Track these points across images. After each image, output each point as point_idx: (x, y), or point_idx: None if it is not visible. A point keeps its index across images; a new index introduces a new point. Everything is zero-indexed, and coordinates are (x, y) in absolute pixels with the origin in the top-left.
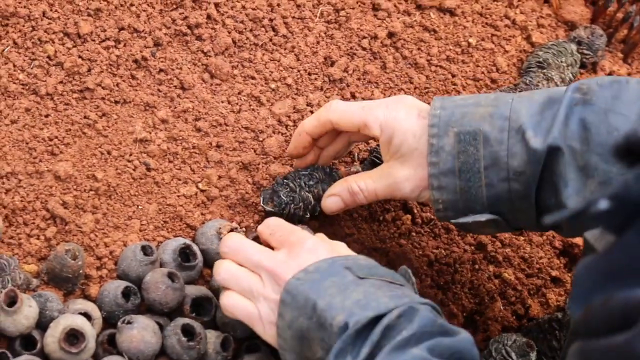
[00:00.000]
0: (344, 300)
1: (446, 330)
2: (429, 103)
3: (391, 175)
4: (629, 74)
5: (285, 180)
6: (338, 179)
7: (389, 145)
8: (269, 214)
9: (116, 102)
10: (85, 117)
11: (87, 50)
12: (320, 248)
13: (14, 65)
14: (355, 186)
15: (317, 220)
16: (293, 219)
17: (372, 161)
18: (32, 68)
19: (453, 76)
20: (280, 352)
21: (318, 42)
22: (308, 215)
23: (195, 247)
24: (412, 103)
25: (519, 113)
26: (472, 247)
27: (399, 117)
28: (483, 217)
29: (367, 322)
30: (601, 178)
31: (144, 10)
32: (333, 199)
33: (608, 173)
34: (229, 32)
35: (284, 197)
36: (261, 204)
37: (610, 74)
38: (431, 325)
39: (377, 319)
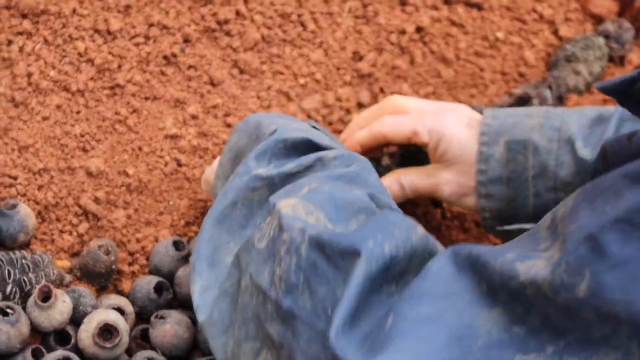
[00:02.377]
0: (290, 125)
1: (383, 190)
2: (457, 98)
3: (434, 176)
4: None
5: None
6: (382, 171)
7: (436, 150)
8: None
9: (146, 99)
10: (116, 114)
11: (117, 46)
12: None
13: (45, 62)
14: (404, 179)
15: None
16: None
17: (402, 155)
18: (63, 65)
19: (481, 70)
20: (213, 183)
21: (346, 37)
22: None
23: None
24: (463, 112)
25: (569, 124)
26: (503, 242)
27: (447, 124)
28: (528, 226)
29: (301, 143)
30: None
31: (173, 7)
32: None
33: None
34: (258, 28)
35: None
36: None
37: (638, 67)
38: (368, 173)
39: (312, 146)
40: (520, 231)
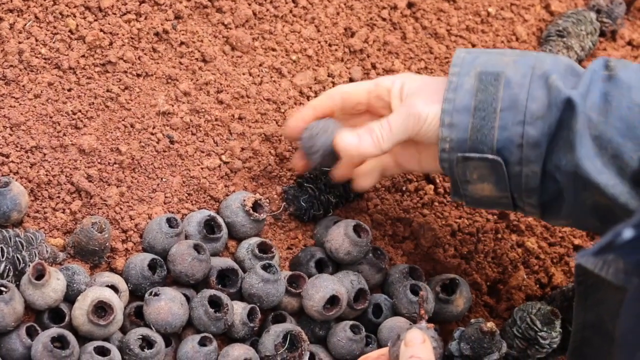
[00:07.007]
0: None
1: None
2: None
3: (410, 105)
4: None
5: (306, 184)
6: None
7: (402, 91)
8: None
9: (138, 75)
10: (108, 91)
11: (109, 23)
12: None
13: (36, 40)
14: (374, 125)
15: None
16: (314, 219)
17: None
18: (54, 42)
19: (473, 46)
20: None
21: (338, 13)
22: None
23: (220, 219)
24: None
25: (544, 62)
26: (495, 217)
27: (411, 74)
28: (489, 155)
29: None
30: (614, 151)
31: None
32: (351, 136)
33: (621, 147)
34: (249, 4)
35: (303, 204)
36: (283, 206)
37: (629, 42)
38: None
39: None
40: (481, 160)
